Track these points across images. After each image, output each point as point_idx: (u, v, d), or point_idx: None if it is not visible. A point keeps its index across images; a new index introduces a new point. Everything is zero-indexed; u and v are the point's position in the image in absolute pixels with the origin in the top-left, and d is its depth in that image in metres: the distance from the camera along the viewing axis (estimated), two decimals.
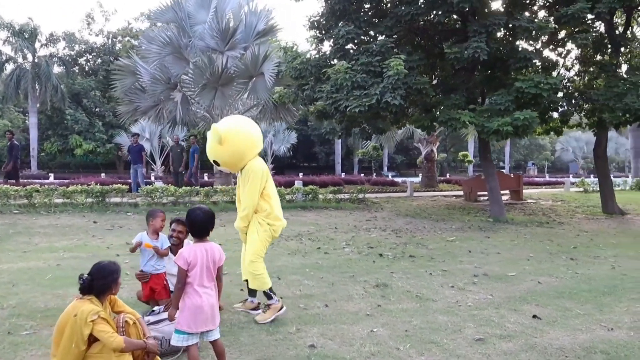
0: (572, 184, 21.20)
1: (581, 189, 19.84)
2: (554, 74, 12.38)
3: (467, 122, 10.88)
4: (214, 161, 4.52)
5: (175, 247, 4.52)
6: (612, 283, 6.05)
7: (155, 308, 3.97)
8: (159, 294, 4.41)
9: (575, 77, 13.97)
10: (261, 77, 13.76)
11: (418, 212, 13.34)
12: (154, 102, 14.31)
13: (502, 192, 16.78)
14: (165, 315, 3.78)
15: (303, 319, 4.52)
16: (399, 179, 26.62)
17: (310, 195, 13.80)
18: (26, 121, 36.11)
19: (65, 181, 18.56)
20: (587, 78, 13.33)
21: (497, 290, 5.71)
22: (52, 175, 25.27)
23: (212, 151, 4.45)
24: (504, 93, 10.63)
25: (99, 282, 2.99)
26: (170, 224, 4.62)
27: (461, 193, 18.13)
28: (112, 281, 3.06)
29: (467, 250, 8.28)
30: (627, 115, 10.92)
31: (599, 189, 19.07)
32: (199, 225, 3.18)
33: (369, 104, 9.77)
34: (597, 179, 20.55)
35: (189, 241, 4.83)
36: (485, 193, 16.74)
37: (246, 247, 4.61)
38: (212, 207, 12.38)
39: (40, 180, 20.08)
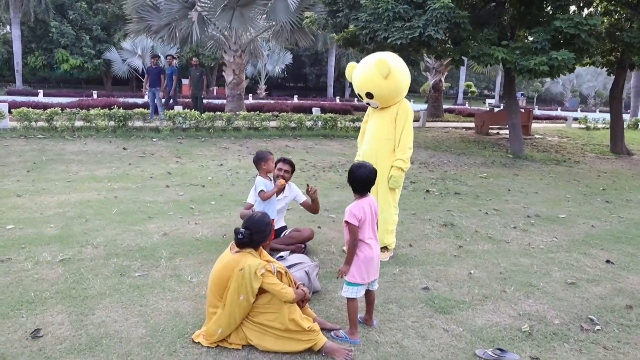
0: (575, 119, 21.54)
1: (583, 126, 20.19)
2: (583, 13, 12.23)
3: (500, 59, 10.80)
4: (367, 93, 4.47)
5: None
6: None
7: (283, 254, 4.07)
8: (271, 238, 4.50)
9: (600, 17, 13.79)
10: None
11: (436, 145, 13.50)
12: (168, 21, 13.66)
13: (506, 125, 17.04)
14: (293, 260, 3.91)
15: (398, 260, 4.72)
16: None
17: (329, 123, 13.78)
18: (7, 33, 34.12)
19: (60, 100, 17.82)
20: (615, 18, 13.18)
21: (557, 232, 5.99)
22: (40, 93, 24.32)
23: (372, 83, 4.40)
24: (540, 31, 10.47)
25: (258, 235, 3.03)
26: (276, 164, 4.62)
27: (469, 125, 18.32)
28: (269, 232, 3.12)
29: (505, 188, 8.53)
30: None
31: (601, 127, 19.61)
32: (364, 182, 3.21)
33: (411, 37, 9.55)
34: (594, 115, 20.90)
35: (290, 183, 4.87)
36: (496, 127, 17.03)
37: (384, 197, 4.64)
38: (235, 133, 12.31)
39: (29, 98, 19.33)
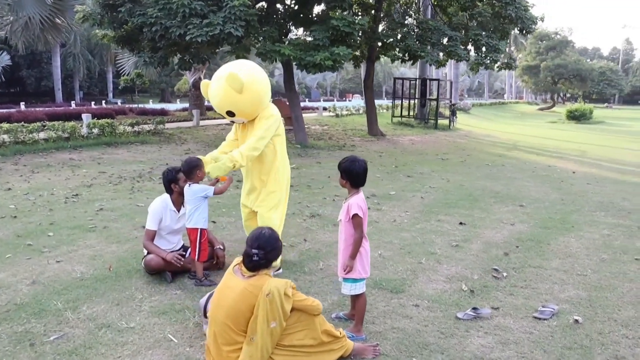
0: (325, 109, 24.15)
1: (333, 114, 22.82)
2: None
3: (287, 55, 11.45)
4: (228, 112, 4.04)
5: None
6: (466, 192, 7.88)
7: None
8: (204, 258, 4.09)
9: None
10: None
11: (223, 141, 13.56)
12: None
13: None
14: None
15: (309, 255, 4.78)
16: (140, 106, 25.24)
17: (107, 130, 12.49)
18: None
19: None
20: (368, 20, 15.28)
21: (402, 207, 6.84)
22: None
23: (228, 101, 3.96)
24: (319, 29, 11.48)
25: (272, 253, 2.72)
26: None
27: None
28: (281, 248, 2.85)
29: (323, 176, 9.19)
30: (407, 54, 13.21)
31: (346, 114, 22.51)
32: (363, 175, 3.19)
33: (211, 34, 9.33)
34: (339, 104, 23.80)
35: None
36: None
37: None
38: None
39: None
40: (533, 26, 13.57)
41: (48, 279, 4.09)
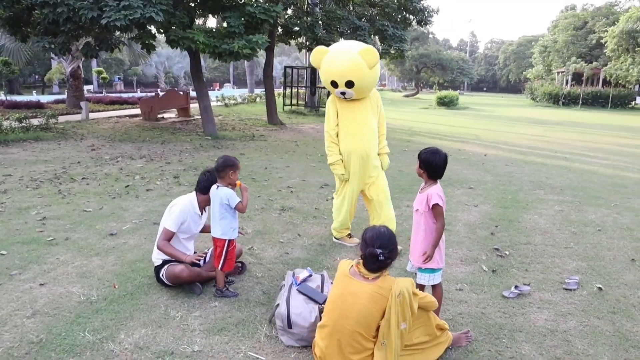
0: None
1: (222, 103, 22.16)
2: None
3: (200, 42, 10.84)
4: (348, 82, 4.20)
5: None
6: (411, 177, 8.20)
7: (305, 274, 3.42)
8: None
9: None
10: None
11: (127, 136, 12.61)
12: None
13: (171, 109, 17.29)
14: (317, 276, 3.42)
15: (312, 250, 4.72)
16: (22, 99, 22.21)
17: None
18: None
19: None
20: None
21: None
22: None
23: (356, 72, 4.19)
24: (233, 16, 11.03)
25: (394, 252, 2.62)
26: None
27: (130, 112, 17.46)
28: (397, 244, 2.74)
29: (260, 167, 8.91)
30: (315, 42, 13.28)
31: (232, 103, 22.03)
32: (443, 167, 3.13)
33: (131, 18, 8.48)
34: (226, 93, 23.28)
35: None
36: (162, 112, 16.90)
37: (383, 187, 4.72)
38: None
39: None
40: (430, 18, 14.52)
41: (49, 307, 3.47)
